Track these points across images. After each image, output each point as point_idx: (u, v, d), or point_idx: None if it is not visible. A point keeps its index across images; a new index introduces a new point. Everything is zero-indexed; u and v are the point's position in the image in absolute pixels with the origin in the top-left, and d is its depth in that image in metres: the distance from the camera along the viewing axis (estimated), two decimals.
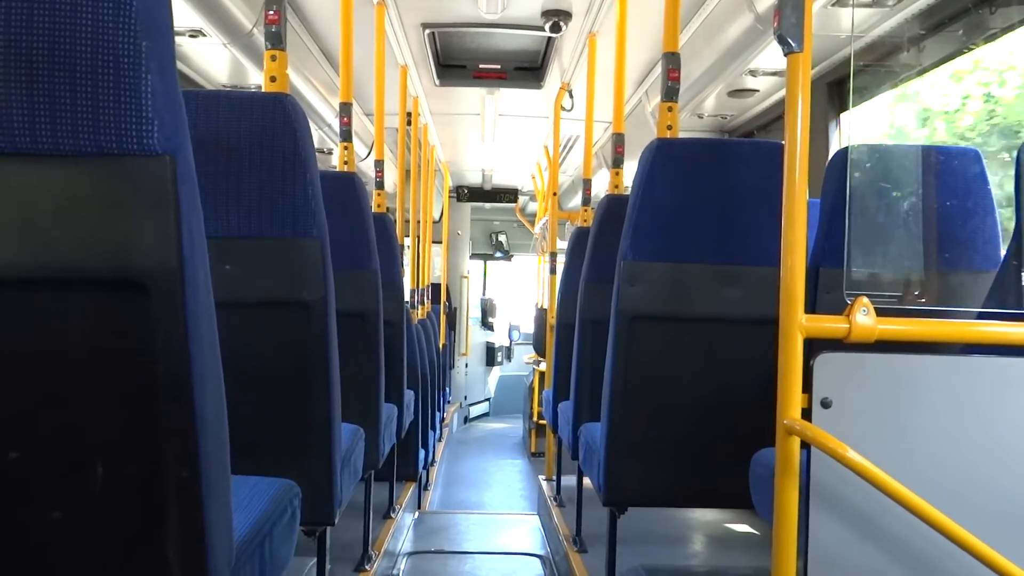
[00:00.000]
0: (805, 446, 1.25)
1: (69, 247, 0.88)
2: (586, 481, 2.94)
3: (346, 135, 2.98)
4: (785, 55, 1.27)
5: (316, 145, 1.72)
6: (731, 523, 3.29)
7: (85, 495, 0.93)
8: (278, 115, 1.66)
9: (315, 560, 1.97)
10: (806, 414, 1.25)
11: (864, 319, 1.24)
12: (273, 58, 2.04)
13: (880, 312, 1.25)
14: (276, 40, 2.03)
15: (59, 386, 0.92)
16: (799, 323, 1.25)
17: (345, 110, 3.00)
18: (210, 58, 3.99)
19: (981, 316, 1.50)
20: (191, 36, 3.57)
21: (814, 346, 1.26)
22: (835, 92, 3.79)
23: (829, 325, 1.26)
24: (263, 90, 2.03)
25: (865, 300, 1.24)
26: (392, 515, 3.49)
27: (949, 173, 1.72)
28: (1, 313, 0.90)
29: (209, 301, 0.95)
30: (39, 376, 0.91)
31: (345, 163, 2.95)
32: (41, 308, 0.91)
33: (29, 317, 0.91)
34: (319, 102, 4.89)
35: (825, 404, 1.25)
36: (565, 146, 7.10)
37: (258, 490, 1.32)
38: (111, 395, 0.92)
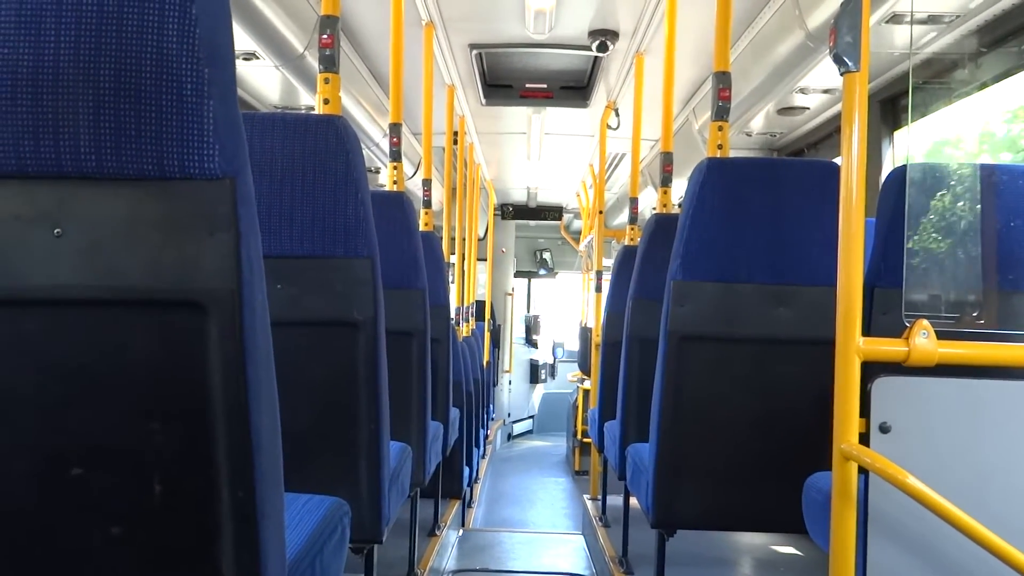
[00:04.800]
0: (863, 472, 1.22)
1: (132, 268, 0.89)
2: (632, 501, 2.91)
3: (395, 155, 3.01)
4: (841, 74, 1.25)
5: (365, 164, 1.75)
6: (776, 545, 3.22)
7: (143, 511, 0.95)
8: (331, 137, 1.69)
9: None
10: (864, 439, 1.22)
11: (924, 342, 1.21)
12: (326, 80, 2.08)
13: (939, 335, 1.22)
14: (329, 63, 2.07)
15: (120, 403, 0.93)
16: (856, 346, 1.22)
17: (395, 131, 3.04)
18: (262, 80, 4.07)
19: None
20: (245, 59, 3.65)
21: (871, 369, 1.24)
22: (888, 110, 3.73)
23: (887, 348, 1.23)
24: (315, 111, 2.06)
25: (925, 323, 1.22)
26: (437, 532, 3.49)
27: (1012, 192, 1.68)
28: (65, 332, 0.92)
29: (266, 321, 0.97)
30: (100, 393, 0.93)
31: (394, 182, 2.99)
32: (103, 328, 0.92)
33: (91, 336, 0.92)
34: (367, 122, 4.96)
35: (884, 429, 1.22)
36: (610, 164, 7.08)
37: (309, 508, 1.33)
38: (170, 413, 0.93)
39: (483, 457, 6.77)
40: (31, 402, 0.92)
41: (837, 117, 4.35)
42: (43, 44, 0.86)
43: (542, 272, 11.16)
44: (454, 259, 6.00)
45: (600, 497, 4.03)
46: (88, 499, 0.95)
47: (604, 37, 4.09)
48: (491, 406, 7.93)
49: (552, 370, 10.81)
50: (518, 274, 10.78)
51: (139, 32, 0.86)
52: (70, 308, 0.91)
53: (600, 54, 4.23)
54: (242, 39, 3.33)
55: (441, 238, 4.86)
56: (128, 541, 0.96)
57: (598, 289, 5.20)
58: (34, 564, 0.96)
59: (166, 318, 0.91)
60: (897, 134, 3.74)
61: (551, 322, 11.18)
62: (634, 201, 4.40)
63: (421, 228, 3.53)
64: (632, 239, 4.19)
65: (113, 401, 0.93)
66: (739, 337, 1.98)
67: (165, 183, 0.89)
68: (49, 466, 0.94)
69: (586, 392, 6.59)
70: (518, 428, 10.28)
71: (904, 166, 1.71)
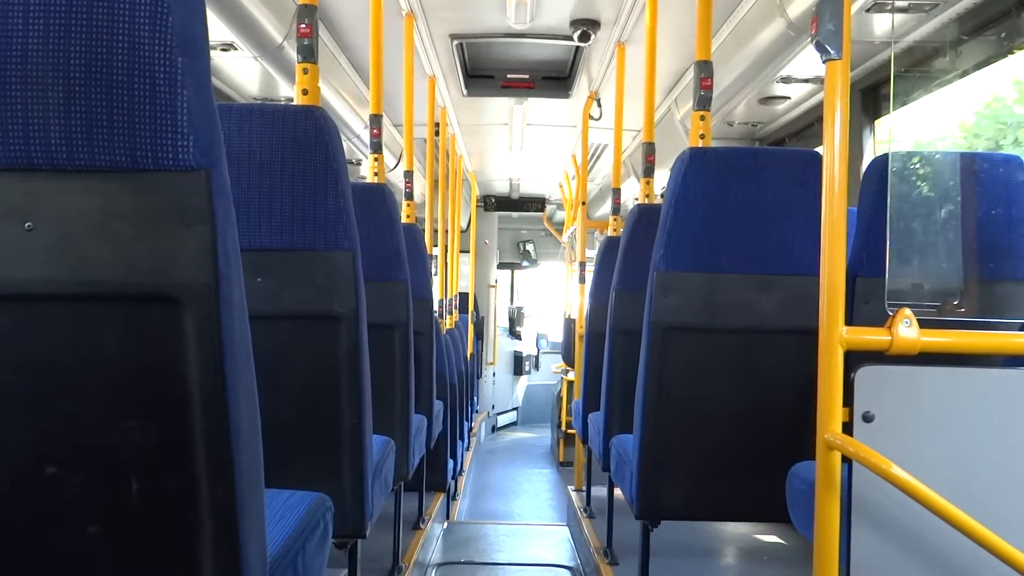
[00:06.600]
0: (846, 461, 1.23)
1: (105, 262, 0.87)
2: (616, 492, 2.91)
3: (376, 147, 2.99)
4: (824, 62, 1.25)
5: (345, 156, 1.73)
6: (759, 534, 3.24)
7: (120, 510, 0.93)
8: (310, 128, 1.66)
9: (346, 572, 1.97)
10: (847, 428, 1.22)
11: (907, 331, 1.21)
12: (305, 71, 2.05)
13: (922, 323, 1.23)
14: (308, 53, 2.05)
15: (94, 400, 0.91)
16: (839, 335, 1.22)
17: (375, 122, 3.01)
18: (241, 71, 4.03)
19: None
20: (223, 50, 3.60)
21: (855, 358, 1.24)
22: (869, 98, 3.74)
23: (870, 338, 1.23)
24: (295, 103, 2.04)
25: (908, 311, 1.22)
26: (422, 526, 3.48)
27: (992, 180, 1.68)
28: (38, 328, 0.90)
29: (244, 315, 0.95)
30: (75, 390, 0.91)
31: (375, 174, 2.97)
32: (77, 323, 0.90)
33: (65, 332, 0.91)
34: (348, 113, 4.92)
35: (867, 418, 1.22)
36: (593, 155, 7.08)
37: (291, 504, 1.32)
38: (146, 409, 0.91)
39: (467, 449, 6.77)
40: (3, 399, 0.90)
41: (819, 106, 4.36)
42: (11, 33, 0.84)
43: (525, 264, 11.16)
44: (437, 251, 5.98)
45: (585, 488, 4.03)
46: (64, 498, 0.93)
47: (585, 27, 4.08)
48: (475, 398, 7.93)
49: (536, 362, 10.82)
50: (501, 266, 10.77)
51: (110, 20, 0.84)
52: (42, 303, 0.90)
53: (582, 44, 4.22)
54: (220, 29, 3.29)
55: (423, 230, 4.84)
56: (105, 540, 0.94)
57: (581, 280, 5.20)
58: (9, 565, 0.95)
59: (141, 313, 0.90)
60: (878, 123, 3.76)
61: (535, 314, 11.19)
62: (616, 192, 4.40)
63: (403, 220, 3.51)
64: (615, 230, 4.19)
65: (88, 398, 0.91)
66: (722, 327, 1.98)
67: (138, 175, 0.87)
68: (23, 465, 0.92)
69: (570, 383, 6.60)
70: (502, 420, 10.29)
71: (886, 155, 1.71)
